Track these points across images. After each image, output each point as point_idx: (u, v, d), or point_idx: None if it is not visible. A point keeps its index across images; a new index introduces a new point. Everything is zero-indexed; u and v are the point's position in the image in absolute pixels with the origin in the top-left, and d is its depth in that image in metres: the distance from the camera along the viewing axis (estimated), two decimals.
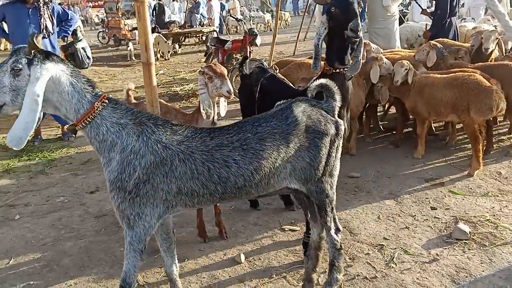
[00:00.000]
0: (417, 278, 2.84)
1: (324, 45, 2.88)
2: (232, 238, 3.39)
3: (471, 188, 4.07)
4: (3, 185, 4.53)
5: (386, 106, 6.26)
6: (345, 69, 2.79)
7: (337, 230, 2.54)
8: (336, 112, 2.39)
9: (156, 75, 10.66)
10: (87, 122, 2.02)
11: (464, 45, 5.74)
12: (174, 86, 9.20)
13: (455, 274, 2.86)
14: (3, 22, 5.56)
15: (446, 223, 3.49)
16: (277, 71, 3.68)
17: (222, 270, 3.01)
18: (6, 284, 2.90)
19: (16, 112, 2.01)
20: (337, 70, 2.78)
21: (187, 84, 9.25)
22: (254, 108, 3.34)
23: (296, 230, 3.47)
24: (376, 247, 3.20)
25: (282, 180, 2.26)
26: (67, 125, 2.15)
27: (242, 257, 3.09)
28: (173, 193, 2.06)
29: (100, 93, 2.07)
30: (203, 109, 2.95)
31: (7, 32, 5.61)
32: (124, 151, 2.00)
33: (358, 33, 2.66)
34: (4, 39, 14.63)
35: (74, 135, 6.02)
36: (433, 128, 5.47)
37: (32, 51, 1.93)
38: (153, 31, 14.10)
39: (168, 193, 2.05)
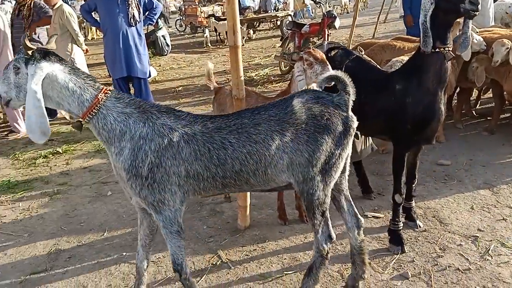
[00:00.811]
0: None
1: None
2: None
3: None
4: (96, 164, 4.86)
5: (482, 90, 5.77)
6: (446, 48, 2.57)
7: (328, 237, 2.36)
8: (350, 107, 2.22)
9: None
10: (93, 114, 2.08)
11: None
12: (249, 72, 9.25)
13: None
14: (95, 12, 5.90)
15: None
16: (363, 52, 3.50)
17: (303, 252, 2.98)
18: (102, 254, 3.11)
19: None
20: (437, 50, 2.57)
21: (262, 70, 9.25)
22: None
23: (380, 217, 3.32)
24: (470, 239, 2.97)
25: (281, 173, 2.17)
26: (72, 123, 2.23)
27: None
28: (183, 177, 2.11)
29: (101, 86, 2.14)
30: None
31: (99, 21, 5.96)
32: (133, 139, 2.07)
33: (478, 5, 2.43)
34: (95, 29, 15.73)
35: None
36: None
37: (31, 52, 2.04)
38: None
39: (179, 176, 2.10)
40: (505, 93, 4.59)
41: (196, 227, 3.39)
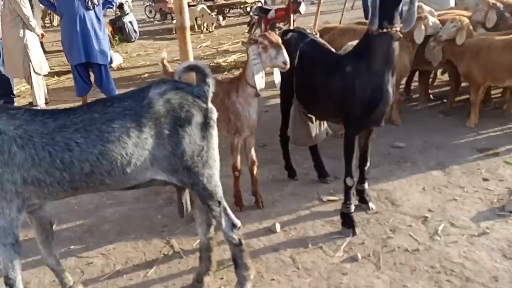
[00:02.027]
0: (464, 252, 2.66)
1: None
2: (269, 207, 3.33)
3: None
4: None
5: (437, 72, 5.86)
6: (394, 29, 2.57)
7: (233, 226, 2.29)
8: (209, 98, 2.15)
9: (199, 47, 10.84)
10: None
11: None
12: (217, 58, 9.14)
13: (506, 248, 2.65)
14: None
15: (499, 195, 3.23)
16: (317, 35, 3.47)
17: (257, 239, 2.97)
18: None
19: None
20: (384, 30, 2.57)
21: (230, 56, 9.16)
22: (293, 79, 3.20)
23: (335, 201, 3.34)
24: (420, 219, 3.02)
25: (144, 171, 2.05)
26: None
27: (278, 226, 3.03)
28: (19, 184, 1.90)
29: None
30: (257, 81, 2.86)
31: (55, 5, 5.73)
32: None
33: None
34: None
35: None
36: (491, 97, 5.05)
37: None
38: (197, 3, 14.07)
39: (15, 183, 1.89)
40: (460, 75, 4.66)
41: (150, 216, 3.34)
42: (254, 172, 3.27)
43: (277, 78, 3.05)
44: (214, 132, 2.18)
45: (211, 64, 8.61)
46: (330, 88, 2.94)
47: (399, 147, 4.17)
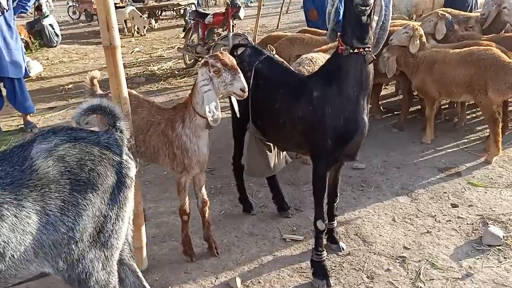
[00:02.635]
0: None
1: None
2: (225, 253, 2.85)
3: (491, 178, 3.59)
4: None
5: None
6: (366, 49, 2.19)
7: None
8: (124, 148, 1.67)
9: (131, 53, 10.03)
10: None
11: (472, 15, 5.16)
12: (151, 65, 8.45)
13: None
14: None
15: (473, 224, 3.00)
16: (274, 52, 3.03)
17: None
18: None
19: None
20: (355, 51, 2.19)
21: (165, 63, 8.51)
22: (247, 102, 2.74)
23: (300, 241, 2.94)
24: (397, 260, 2.70)
25: (25, 264, 1.48)
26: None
27: (238, 281, 2.55)
28: None
29: None
30: (209, 112, 2.34)
31: None
32: None
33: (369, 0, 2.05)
34: None
35: (36, 126, 5.34)
36: (441, 109, 4.93)
37: None
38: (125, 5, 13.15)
39: None
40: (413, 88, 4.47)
41: None
42: (206, 214, 2.77)
43: (236, 106, 2.57)
44: (131, 194, 1.65)
45: (145, 72, 7.92)
46: (294, 116, 2.52)
47: (359, 169, 3.86)
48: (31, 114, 5.46)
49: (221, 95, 2.44)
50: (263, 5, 7.77)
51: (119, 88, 2.29)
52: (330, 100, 2.34)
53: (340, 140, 2.35)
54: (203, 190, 2.74)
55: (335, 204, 2.77)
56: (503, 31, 4.89)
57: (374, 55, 2.25)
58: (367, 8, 2.07)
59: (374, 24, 2.25)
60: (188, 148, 2.49)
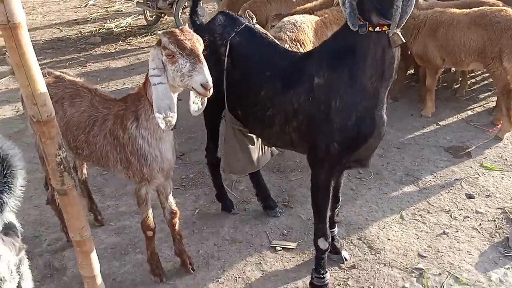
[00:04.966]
0: None
1: None
2: (202, 269, 2.30)
3: (506, 160, 3.14)
4: None
5: None
6: (391, 27, 1.57)
7: None
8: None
9: (85, 6, 8.88)
10: None
11: None
12: (108, 22, 7.47)
13: None
14: None
15: (495, 220, 2.56)
16: (254, 20, 2.31)
17: None
18: None
19: None
20: (376, 29, 1.57)
21: (124, 19, 7.53)
22: (222, 85, 2.10)
23: (292, 249, 2.41)
24: (413, 274, 2.22)
25: None
26: None
27: None
28: None
29: None
30: (159, 112, 1.69)
31: None
32: None
33: None
34: None
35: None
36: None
37: None
38: None
39: None
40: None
41: None
42: (176, 226, 2.19)
43: (193, 104, 1.90)
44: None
45: (100, 30, 6.98)
46: (286, 108, 1.91)
47: None
48: None
49: (179, 89, 1.77)
50: None
51: (31, 84, 1.51)
52: (338, 91, 1.74)
53: (350, 144, 1.78)
54: (170, 199, 2.14)
55: (337, 210, 2.24)
56: None
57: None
58: None
59: None
60: (146, 154, 1.85)
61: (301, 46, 2.81)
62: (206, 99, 1.85)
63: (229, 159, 2.40)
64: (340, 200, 2.24)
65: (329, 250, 2.26)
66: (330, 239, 2.02)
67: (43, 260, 2.36)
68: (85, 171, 2.54)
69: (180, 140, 3.62)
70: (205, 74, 1.60)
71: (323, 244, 1.97)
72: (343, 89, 1.72)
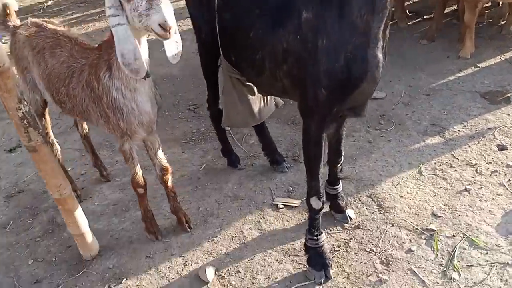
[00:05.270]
0: None
1: None
2: (199, 227, 2.23)
3: None
4: None
5: None
6: None
7: None
8: None
9: None
10: None
11: None
12: None
13: None
14: None
15: None
16: None
17: None
18: None
19: None
20: None
21: None
22: (214, 27, 1.91)
23: (295, 207, 2.28)
24: (423, 236, 2.02)
25: None
26: None
27: (210, 272, 1.95)
28: None
29: None
30: (121, 57, 1.56)
31: None
32: None
33: None
34: None
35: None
36: (484, 11, 3.88)
37: None
38: None
39: None
40: None
41: (17, 263, 2.16)
42: (169, 183, 2.11)
43: (169, 49, 1.71)
44: None
45: None
46: (275, 49, 1.70)
47: (377, 99, 3.05)
48: None
49: (144, 32, 1.61)
50: None
51: None
52: (325, 26, 1.50)
53: (340, 89, 1.55)
54: (160, 154, 2.05)
55: (339, 165, 2.05)
56: None
57: None
58: None
59: None
60: (122, 107, 1.74)
61: None
62: (180, 42, 1.69)
63: (228, 112, 2.25)
64: (343, 154, 2.04)
65: (330, 206, 2.14)
66: (324, 198, 1.85)
67: (48, 215, 2.40)
68: (85, 125, 2.50)
69: (196, 92, 3.52)
70: (163, 13, 1.44)
71: (315, 203, 1.81)
72: (330, 24, 1.48)
